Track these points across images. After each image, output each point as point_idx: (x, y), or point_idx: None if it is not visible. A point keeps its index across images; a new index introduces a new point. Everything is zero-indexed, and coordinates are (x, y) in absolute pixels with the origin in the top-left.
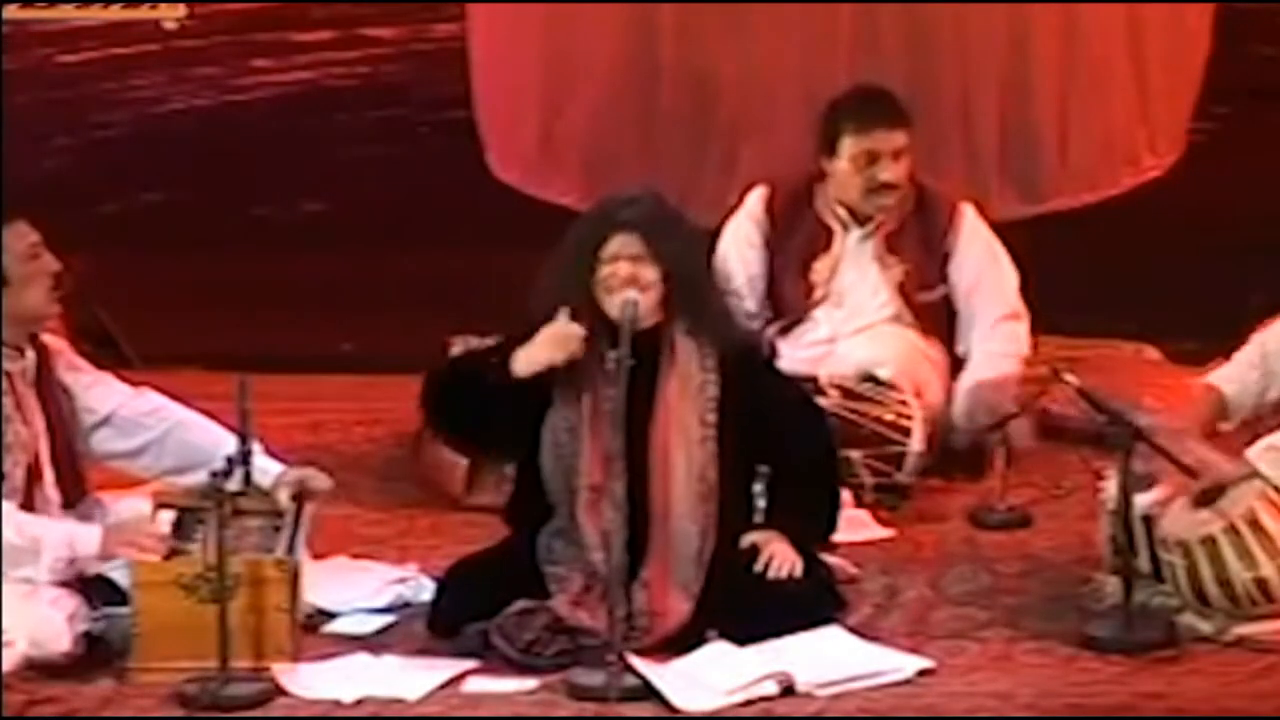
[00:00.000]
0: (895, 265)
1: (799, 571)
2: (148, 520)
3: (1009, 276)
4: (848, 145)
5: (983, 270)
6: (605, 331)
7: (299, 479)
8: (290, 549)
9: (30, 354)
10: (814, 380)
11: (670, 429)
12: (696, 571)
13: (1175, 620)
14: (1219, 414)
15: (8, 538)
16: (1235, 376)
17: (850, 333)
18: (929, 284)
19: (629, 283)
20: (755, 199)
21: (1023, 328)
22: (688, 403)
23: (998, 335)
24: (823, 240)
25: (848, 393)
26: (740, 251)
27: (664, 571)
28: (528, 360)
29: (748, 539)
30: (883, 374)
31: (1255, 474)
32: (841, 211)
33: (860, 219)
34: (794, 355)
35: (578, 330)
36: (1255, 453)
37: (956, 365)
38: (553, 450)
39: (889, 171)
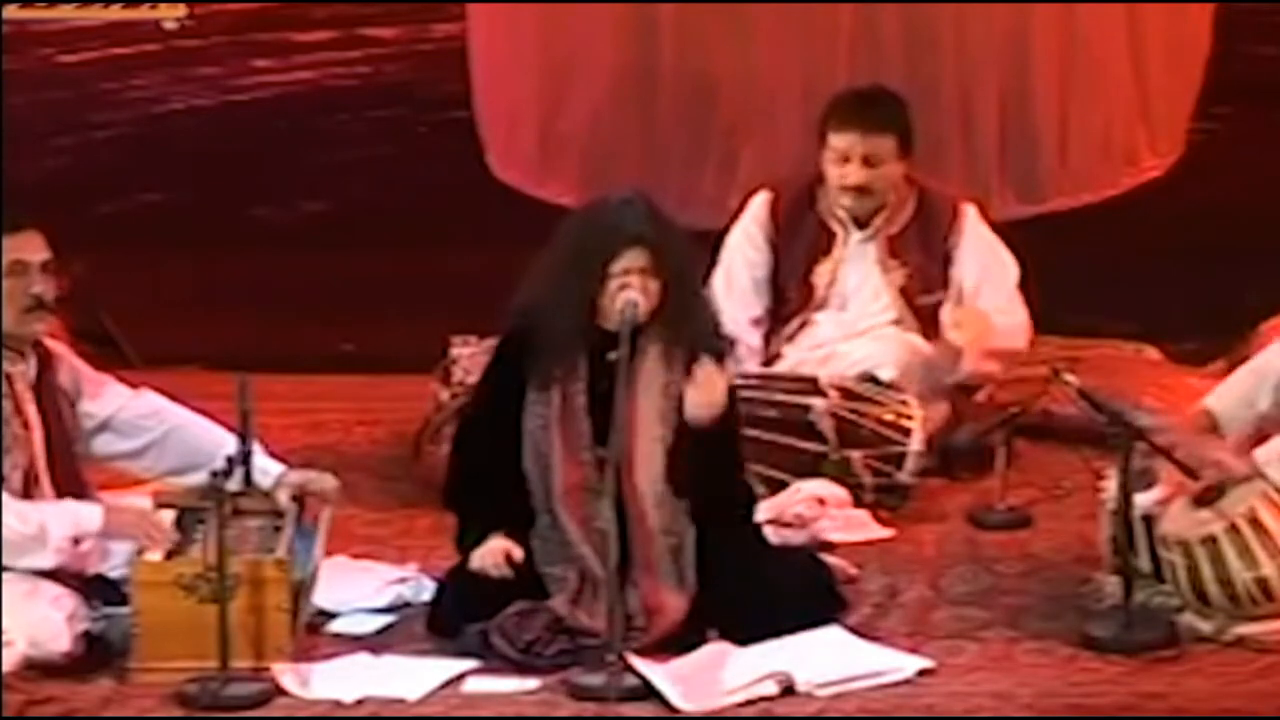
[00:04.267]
0: (897, 269)
1: None
2: (151, 511)
3: (1010, 278)
4: (830, 140)
5: (984, 271)
6: (596, 336)
7: (300, 481)
8: (301, 553)
9: (31, 357)
10: (814, 381)
11: (636, 430)
12: (678, 568)
13: (1175, 620)
14: (1209, 430)
15: (11, 526)
16: (1229, 395)
17: (853, 336)
18: (930, 287)
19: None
20: (759, 203)
21: (1020, 327)
22: (649, 403)
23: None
24: (824, 243)
25: (847, 393)
26: (745, 255)
27: (649, 569)
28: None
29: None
30: (884, 375)
31: (1259, 475)
32: (842, 213)
33: (860, 221)
34: (797, 357)
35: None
36: (1263, 455)
37: None
38: (530, 448)
39: (853, 175)
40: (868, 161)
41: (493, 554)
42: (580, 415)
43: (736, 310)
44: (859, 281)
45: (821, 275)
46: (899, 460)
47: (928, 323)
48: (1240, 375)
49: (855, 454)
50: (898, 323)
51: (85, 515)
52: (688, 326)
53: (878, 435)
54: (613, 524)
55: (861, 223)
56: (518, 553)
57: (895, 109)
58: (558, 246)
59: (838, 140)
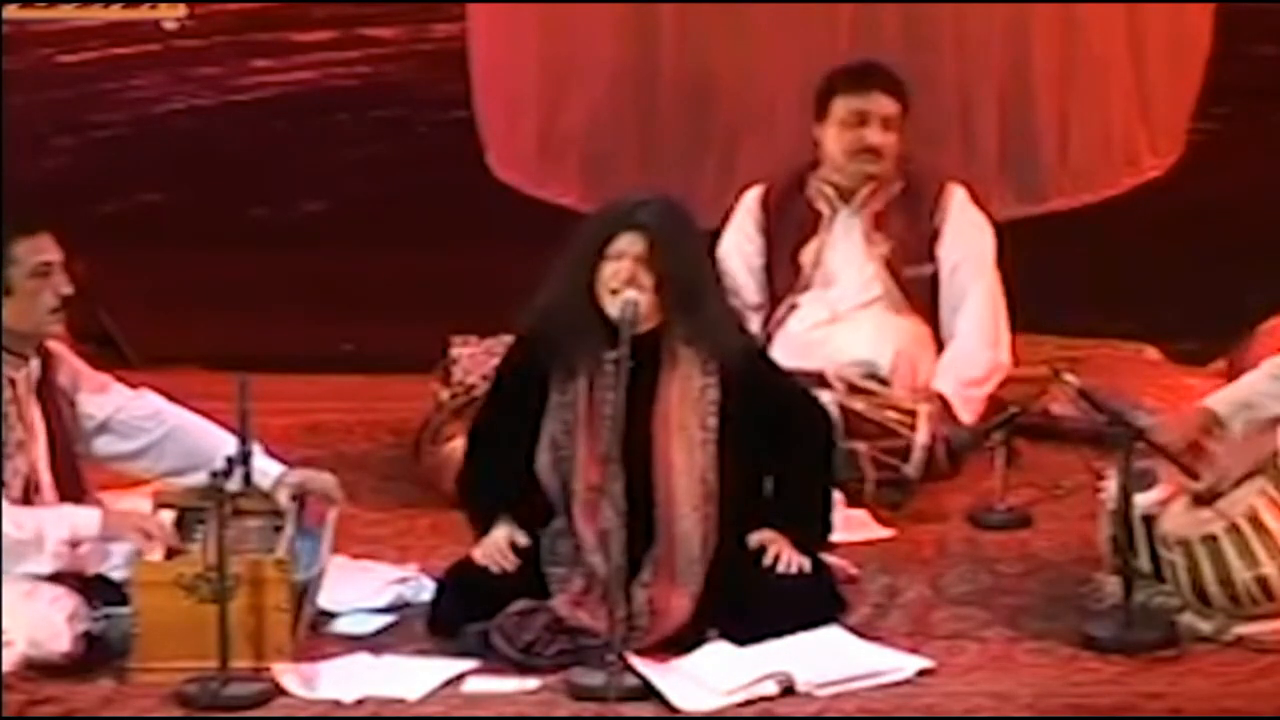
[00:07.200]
0: (882, 242)
1: (807, 568)
2: (151, 512)
3: (990, 255)
4: (839, 106)
5: (968, 250)
6: (604, 332)
7: (300, 480)
8: (304, 554)
9: (34, 360)
10: (820, 374)
11: (671, 432)
12: (699, 573)
13: (1175, 620)
14: (1211, 431)
15: (8, 533)
16: (1239, 394)
17: (843, 312)
18: (916, 260)
19: (629, 283)
20: (752, 195)
21: (1002, 330)
22: (688, 406)
23: (979, 344)
24: (812, 224)
25: (853, 387)
26: (740, 247)
27: (668, 573)
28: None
29: (753, 539)
30: (883, 363)
31: (1261, 471)
32: (829, 191)
33: (846, 195)
34: (788, 337)
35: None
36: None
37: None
38: (550, 451)
39: (877, 135)
40: (885, 125)
41: (496, 546)
42: (612, 423)
43: (736, 301)
44: (845, 257)
45: (808, 254)
46: (904, 454)
47: (913, 296)
48: (1255, 378)
49: (860, 447)
50: (883, 296)
51: (82, 520)
52: (705, 329)
53: (883, 428)
54: (617, 525)
55: (847, 198)
56: (521, 539)
57: (896, 75)
58: (568, 244)
59: (856, 101)
